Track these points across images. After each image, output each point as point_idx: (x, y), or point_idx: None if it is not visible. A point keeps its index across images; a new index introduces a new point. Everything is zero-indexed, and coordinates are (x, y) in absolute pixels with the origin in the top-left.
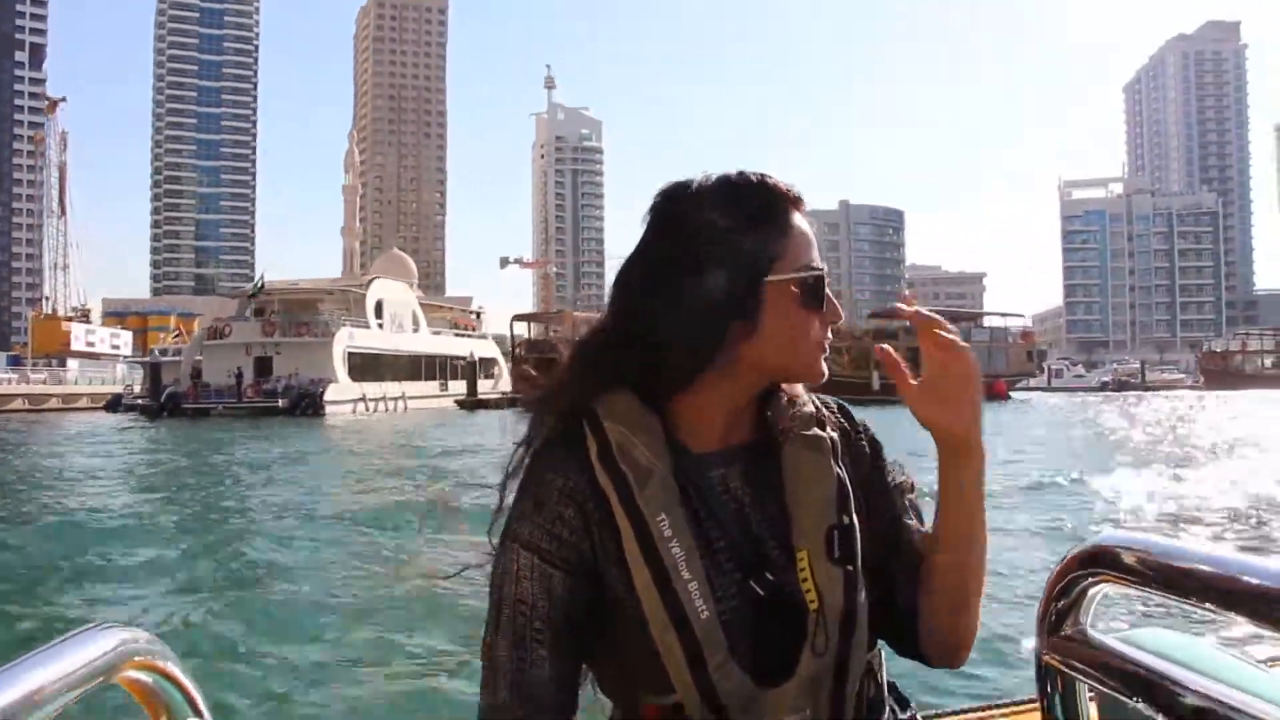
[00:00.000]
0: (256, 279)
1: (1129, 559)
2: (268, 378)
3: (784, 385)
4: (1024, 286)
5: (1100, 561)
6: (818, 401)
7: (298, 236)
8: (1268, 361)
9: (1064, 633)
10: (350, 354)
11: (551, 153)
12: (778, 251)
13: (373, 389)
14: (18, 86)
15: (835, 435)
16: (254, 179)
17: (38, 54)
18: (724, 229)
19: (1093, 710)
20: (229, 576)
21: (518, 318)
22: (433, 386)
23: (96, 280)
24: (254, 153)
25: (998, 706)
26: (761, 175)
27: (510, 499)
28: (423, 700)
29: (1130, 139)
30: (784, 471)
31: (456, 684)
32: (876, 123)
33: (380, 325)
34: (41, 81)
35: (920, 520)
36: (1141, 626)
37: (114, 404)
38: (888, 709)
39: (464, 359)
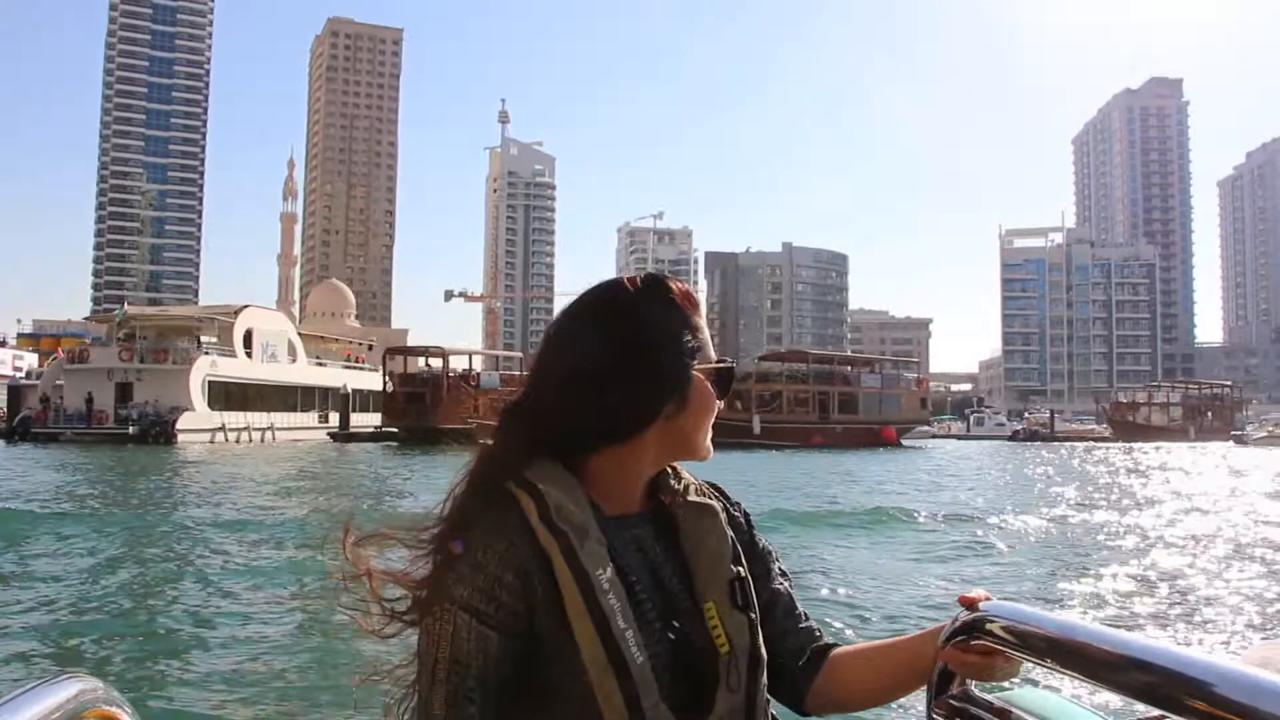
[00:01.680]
0: (122, 306)
1: (999, 628)
2: (127, 404)
3: (671, 463)
4: (970, 333)
5: (978, 629)
6: (695, 480)
7: (247, 261)
8: (1175, 413)
9: (950, 693)
10: (213, 383)
11: (504, 188)
12: (698, 344)
13: (234, 418)
14: None
15: (717, 504)
16: (201, 204)
17: None
18: (668, 324)
19: None
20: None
21: (390, 351)
22: (309, 418)
23: (39, 302)
24: (202, 178)
25: None
26: (680, 283)
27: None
28: None
29: (1079, 192)
30: (682, 533)
31: None
32: (825, 164)
33: (249, 354)
34: None
35: (788, 578)
36: (1022, 688)
37: None
38: None
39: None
